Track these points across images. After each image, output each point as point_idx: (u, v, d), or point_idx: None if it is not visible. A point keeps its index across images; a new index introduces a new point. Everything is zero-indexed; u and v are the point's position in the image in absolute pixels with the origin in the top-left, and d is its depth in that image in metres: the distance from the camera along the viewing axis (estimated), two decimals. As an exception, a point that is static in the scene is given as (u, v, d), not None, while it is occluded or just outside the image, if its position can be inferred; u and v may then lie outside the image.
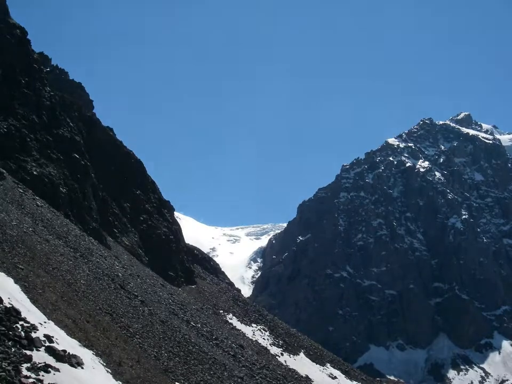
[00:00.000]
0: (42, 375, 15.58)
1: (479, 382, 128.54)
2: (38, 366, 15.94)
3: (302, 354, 56.68)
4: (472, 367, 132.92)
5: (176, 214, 79.53)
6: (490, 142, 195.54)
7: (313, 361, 56.72)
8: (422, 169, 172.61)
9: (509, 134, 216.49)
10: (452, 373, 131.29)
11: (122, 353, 24.05)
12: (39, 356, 16.55)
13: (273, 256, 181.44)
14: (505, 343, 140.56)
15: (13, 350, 15.96)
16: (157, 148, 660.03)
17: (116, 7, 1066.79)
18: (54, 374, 16.02)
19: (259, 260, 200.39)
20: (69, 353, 17.88)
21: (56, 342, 18.28)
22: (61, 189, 48.49)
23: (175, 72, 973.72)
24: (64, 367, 16.83)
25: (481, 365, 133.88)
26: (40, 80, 54.26)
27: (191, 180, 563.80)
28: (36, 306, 21.33)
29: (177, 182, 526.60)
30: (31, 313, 19.80)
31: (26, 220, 36.21)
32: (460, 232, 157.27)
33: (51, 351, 17.30)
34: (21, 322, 18.02)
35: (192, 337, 37.97)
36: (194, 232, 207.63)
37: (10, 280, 22.63)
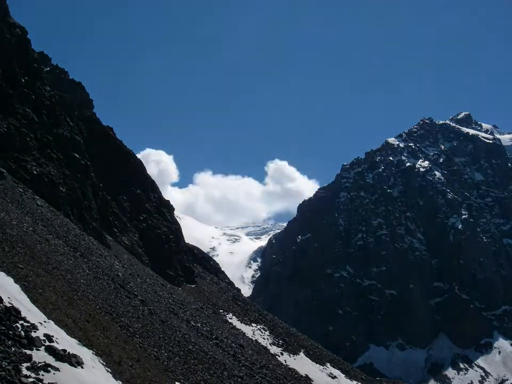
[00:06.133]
0: (42, 375, 15.56)
1: (479, 381, 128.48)
2: (38, 365, 15.92)
3: (302, 353, 56.67)
4: (472, 367, 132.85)
5: (176, 213, 79.53)
6: (490, 141, 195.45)
7: (313, 360, 56.71)
8: (422, 169, 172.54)
9: (509, 134, 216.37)
10: (451, 373, 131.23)
11: (122, 353, 24.03)
12: (39, 355, 16.53)
13: (273, 256, 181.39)
14: (505, 343, 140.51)
15: (13, 349, 15.93)
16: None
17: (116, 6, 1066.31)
18: (54, 373, 16.00)
19: (259, 260, 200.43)
20: (68, 352, 17.86)
21: (56, 342, 18.25)
22: (61, 188, 48.48)
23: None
24: (64, 366, 16.80)
25: (481, 365, 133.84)
26: (40, 79, 54.23)
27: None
28: (36, 306, 21.31)
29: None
30: (31, 312, 19.78)
31: (26, 219, 36.20)
32: (460, 232, 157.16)
33: (51, 350, 17.28)
34: (20, 322, 18.00)
35: (192, 337, 37.95)
36: (194, 231, 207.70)
37: (10, 280, 22.61)
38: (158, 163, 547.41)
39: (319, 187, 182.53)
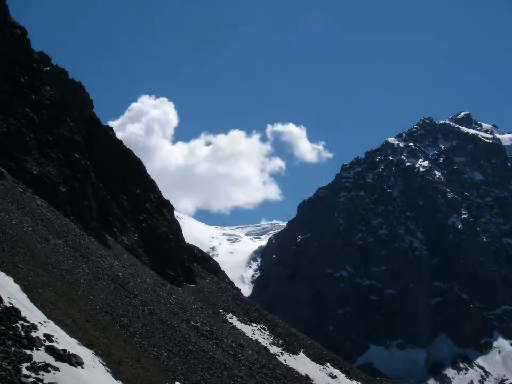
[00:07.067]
0: (42, 375, 15.57)
1: (479, 381, 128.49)
2: (38, 365, 15.92)
3: (302, 353, 56.70)
4: (472, 367, 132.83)
5: (176, 213, 79.55)
6: (490, 141, 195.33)
7: (313, 360, 56.76)
8: (422, 169, 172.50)
9: (509, 134, 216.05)
10: (451, 372, 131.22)
11: (122, 353, 24.05)
12: (39, 355, 16.54)
13: (273, 256, 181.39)
14: (505, 343, 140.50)
15: (13, 349, 15.94)
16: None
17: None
18: (54, 373, 16.01)
19: (259, 259, 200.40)
20: (68, 352, 17.87)
21: (56, 342, 18.26)
22: (60, 188, 48.51)
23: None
24: (64, 366, 16.81)
25: (481, 364, 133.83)
26: (40, 79, 54.24)
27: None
28: (36, 306, 21.33)
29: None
30: (31, 312, 19.80)
31: (26, 219, 36.22)
32: (460, 232, 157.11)
33: (51, 350, 17.29)
34: (20, 322, 18.01)
35: (192, 337, 37.98)
36: (194, 231, 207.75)
37: (10, 280, 22.63)
38: (159, 111, 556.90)
39: (318, 187, 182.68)
